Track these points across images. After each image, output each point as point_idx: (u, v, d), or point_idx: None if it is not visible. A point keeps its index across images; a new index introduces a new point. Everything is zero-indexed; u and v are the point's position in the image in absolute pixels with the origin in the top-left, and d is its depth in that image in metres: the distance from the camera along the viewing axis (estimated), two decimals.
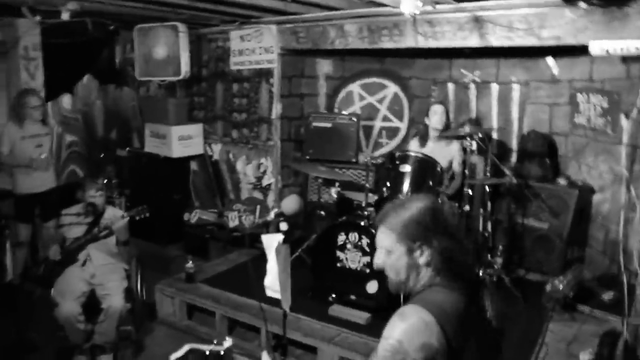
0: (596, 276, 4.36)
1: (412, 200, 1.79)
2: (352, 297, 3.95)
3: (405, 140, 5.71)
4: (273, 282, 2.31)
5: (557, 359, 3.41)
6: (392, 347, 1.55)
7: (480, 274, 4.12)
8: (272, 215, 2.28)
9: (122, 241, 3.92)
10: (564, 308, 4.01)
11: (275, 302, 2.33)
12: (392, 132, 5.86)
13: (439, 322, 1.58)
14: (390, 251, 1.75)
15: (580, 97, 4.65)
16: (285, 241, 2.23)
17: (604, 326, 3.71)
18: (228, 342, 1.56)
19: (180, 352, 1.54)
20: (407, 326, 1.57)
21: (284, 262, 2.25)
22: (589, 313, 4.01)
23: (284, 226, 2.26)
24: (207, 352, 1.50)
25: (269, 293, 2.35)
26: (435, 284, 1.72)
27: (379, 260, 1.79)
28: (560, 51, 4.54)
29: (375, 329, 3.53)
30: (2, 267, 4.60)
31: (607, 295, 4.11)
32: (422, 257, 1.72)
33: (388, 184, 4.12)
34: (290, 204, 2.24)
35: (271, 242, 2.28)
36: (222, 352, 1.51)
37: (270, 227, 2.28)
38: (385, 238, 1.75)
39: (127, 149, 6.69)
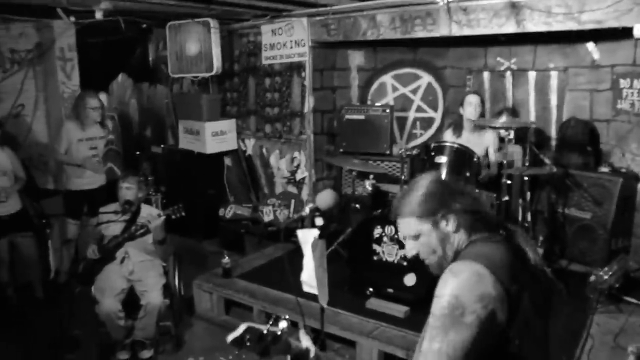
0: None
1: (415, 182, 1.76)
2: (390, 290, 3.90)
3: (440, 130, 5.62)
4: (310, 278, 2.30)
5: (603, 352, 3.31)
6: (449, 303, 1.50)
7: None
8: (307, 210, 2.24)
9: (158, 240, 3.94)
10: (609, 299, 3.88)
11: (312, 297, 2.31)
12: (427, 122, 5.78)
13: (491, 270, 1.53)
14: (417, 235, 1.71)
15: (623, 82, 4.50)
16: (321, 236, 2.21)
17: None
18: (284, 322, 1.56)
19: (238, 331, 1.54)
20: (460, 280, 1.52)
21: (321, 258, 2.23)
22: (636, 304, 3.87)
23: (319, 221, 2.23)
24: (265, 331, 1.51)
25: (306, 288, 2.34)
26: (473, 241, 1.68)
27: (412, 249, 1.75)
28: (600, 35, 4.38)
29: (413, 322, 3.51)
30: (46, 266, 4.73)
31: None
32: (449, 224, 1.68)
33: None
34: (326, 198, 2.21)
35: (307, 237, 2.27)
36: (278, 332, 1.51)
37: (305, 222, 2.26)
38: (408, 226, 1.72)
39: (162, 146, 6.76)
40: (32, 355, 3.87)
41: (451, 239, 1.70)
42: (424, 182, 1.73)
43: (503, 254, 1.61)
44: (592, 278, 4.00)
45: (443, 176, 1.69)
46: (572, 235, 4.60)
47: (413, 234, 1.72)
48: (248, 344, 1.55)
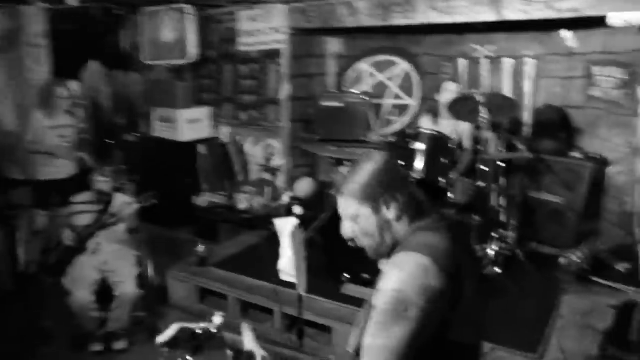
0: (610, 248, 4.30)
1: (362, 162, 1.71)
2: (366, 276, 3.91)
3: (416, 117, 5.64)
4: (288, 266, 2.29)
5: (573, 331, 3.38)
6: (393, 298, 1.47)
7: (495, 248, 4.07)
8: (285, 199, 2.23)
9: (130, 229, 3.89)
10: (578, 280, 3.97)
11: (289, 284, 2.31)
12: (403, 109, 5.79)
13: (434, 261, 1.50)
14: (356, 216, 1.66)
15: (595, 70, 4.56)
16: (300, 225, 2.20)
17: (619, 297, 3.67)
18: (218, 318, 1.52)
19: (168, 333, 1.49)
20: (404, 274, 1.49)
21: (299, 246, 2.22)
22: (604, 285, 3.95)
23: (298, 210, 2.23)
24: (197, 330, 1.46)
25: (284, 277, 2.34)
26: (415, 230, 1.64)
27: (348, 230, 1.71)
28: (575, 24, 4.42)
29: None
30: (14, 258, 4.62)
31: (622, 267, 4.07)
32: (390, 211, 1.64)
33: (401, 162, 4.06)
34: (305, 187, 2.20)
35: (285, 226, 2.26)
36: (213, 330, 1.48)
37: (283, 211, 2.25)
38: (348, 206, 1.67)
39: (135, 134, 6.67)
40: (3, 348, 3.80)
41: (392, 227, 1.66)
42: (370, 165, 1.67)
43: (445, 242, 1.59)
44: (562, 260, 4.10)
45: (394, 161, 1.65)
46: (544, 219, 4.67)
47: (351, 214, 1.67)
48: (180, 344, 1.50)
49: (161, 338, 1.54)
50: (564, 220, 4.51)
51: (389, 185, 1.64)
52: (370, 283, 3.79)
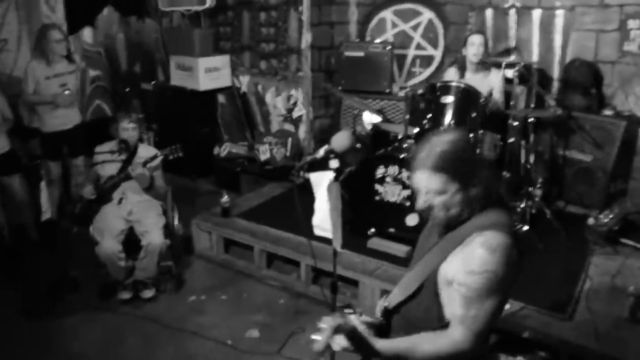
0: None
1: (446, 138, 1.75)
2: (392, 230, 3.90)
3: (439, 69, 5.49)
4: (323, 221, 2.26)
5: (602, 292, 3.37)
6: (485, 279, 1.65)
7: (522, 205, 4.03)
8: (321, 153, 2.17)
9: (143, 187, 3.86)
10: (607, 241, 3.93)
11: (317, 237, 2.29)
12: (426, 60, 5.64)
13: (514, 239, 1.70)
14: (442, 192, 1.72)
15: (631, 23, 4.39)
16: (336, 179, 2.15)
17: None
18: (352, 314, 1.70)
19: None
20: (496, 256, 1.65)
21: (336, 201, 2.17)
22: (633, 247, 3.91)
23: (334, 164, 2.16)
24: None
25: (318, 232, 2.31)
26: (488, 207, 1.76)
27: (426, 203, 1.76)
28: None
29: None
30: (38, 206, 4.63)
31: None
32: (475, 189, 1.72)
33: (429, 116, 3.97)
34: (342, 140, 2.13)
35: (320, 180, 2.21)
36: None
37: (318, 164, 2.19)
38: (434, 181, 1.71)
39: (153, 82, 6.57)
40: (32, 296, 3.85)
41: (472, 203, 1.73)
42: (455, 141, 1.73)
43: (510, 217, 1.79)
44: (591, 220, 4.05)
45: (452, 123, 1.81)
46: (572, 178, 4.60)
47: (438, 189, 1.72)
48: None
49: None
50: (593, 180, 4.44)
51: (475, 163, 1.75)
52: (396, 238, 3.82)
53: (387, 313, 1.92)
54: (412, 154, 1.80)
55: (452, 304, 1.71)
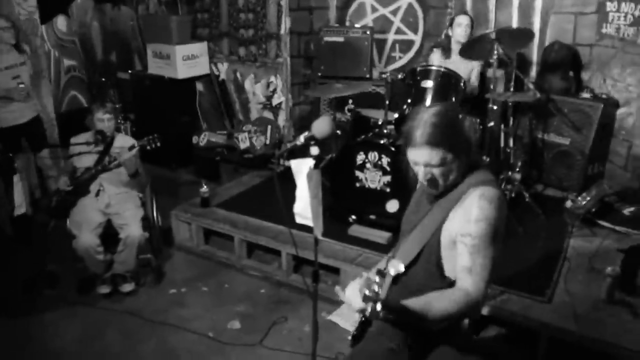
0: (617, 192, 4.29)
1: (435, 109, 1.89)
2: (372, 217, 3.90)
3: (419, 53, 5.47)
4: (304, 209, 2.21)
5: (580, 274, 3.39)
6: (488, 225, 1.81)
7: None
8: (301, 139, 2.13)
9: (130, 173, 3.77)
10: (584, 223, 3.96)
11: (298, 226, 2.27)
12: (406, 45, 5.61)
13: (502, 193, 1.92)
14: (442, 163, 1.85)
15: (609, 5, 4.38)
16: (316, 166, 2.11)
17: (625, 241, 3.69)
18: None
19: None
20: (493, 205, 1.83)
21: (316, 189, 2.14)
22: (610, 228, 3.95)
23: (315, 150, 2.12)
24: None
25: (299, 220, 2.26)
26: (472, 168, 1.93)
27: (427, 175, 1.89)
28: None
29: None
30: (11, 201, 4.52)
31: (628, 210, 4.06)
32: (466, 155, 1.88)
33: (409, 100, 3.95)
34: (323, 126, 2.09)
35: (301, 167, 2.16)
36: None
37: (299, 151, 2.16)
38: (433, 155, 1.84)
39: (129, 71, 6.45)
40: (9, 291, 3.78)
41: (464, 167, 1.90)
42: (441, 114, 1.87)
43: (494, 176, 1.98)
44: (569, 203, 4.08)
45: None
46: (550, 161, 4.63)
47: (437, 162, 1.85)
48: None
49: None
50: (571, 163, 4.46)
51: (462, 131, 1.87)
52: (377, 224, 3.81)
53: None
54: (406, 132, 1.91)
55: (459, 258, 1.84)
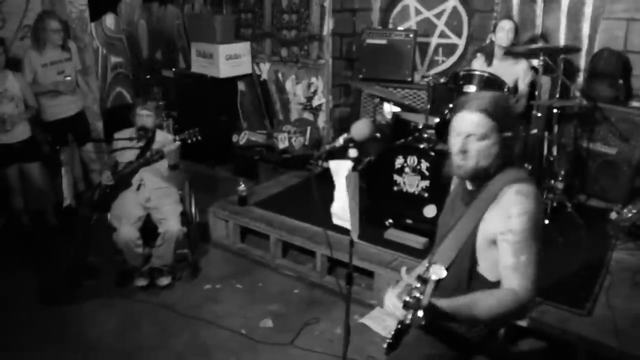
0: None
1: (493, 92, 1.98)
2: (409, 221, 3.86)
3: (462, 57, 5.39)
4: (341, 210, 2.21)
5: (622, 288, 3.28)
6: (530, 220, 1.76)
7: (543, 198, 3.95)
8: (340, 141, 2.13)
9: (171, 165, 3.82)
10: (629, 237, 3.83)
11: (333, 227, 2.27)
12: (449, 49, 5.54)
13: (537, 189, 1.87)
14: (483, 137, 1.80)
15: None
16: (354, 168, 2.11)
17: None
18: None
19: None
20: (533, 201, 1.78)
21: (354, 191, 2.14)
22: None
23: (353, 153, 2.11)
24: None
25: (336, 221, 2.27)
26: (510, 166, 1.87)
27: (464, 146, 1.83)
28: None
29: None
30: (59, 193, 4.67)
31: None
32: (509, 146, 1.83)
33: (451, 105, 3.90)
34: (362, 128, 2.08)
35: (340, 168, 2.17)
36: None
37: (338, 153, 2.15)
38: (481, 124, 1.79)
39: (173, 69, 6.57)
40: (50, 281, 3.91)
41: (501, 157, 1.83)
42: (504, 97, 1.91)
43: (528, 174, 1.94)
44: (613, 215, 3.95)
45: None
46: (595, 171, 4.49)
47: (482, 133, 1.80)
48: None
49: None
50: (617, 173, 4.32)
51: (516, 121, 1.92)
52: (413, 229, 3.77)
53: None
54: (458, 101, 1.89)
55: (502, 257, 1.78)
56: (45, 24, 4.51)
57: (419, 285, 1.58)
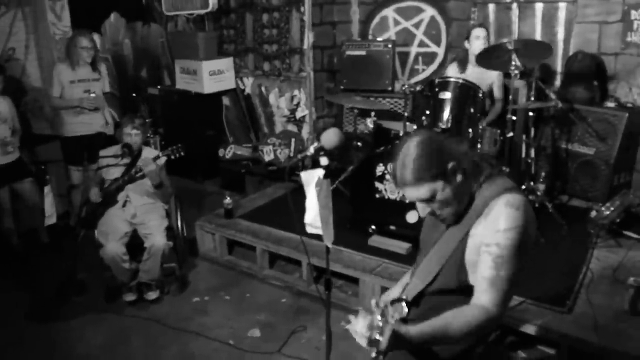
0: None
1: (408, 147, 1.77)
2: (392, 227, 3.92)
3: (442, 65, 5.50)
4: (314, 219, 2.25)
5: (602, 286, 3.34)
6: (520, 234, 1.71)
7: None
8: (311, 150, 2.19)
9: (154, 184, 3.87)
10: (609, 234, 3.89)
11: (316, 236, 2.30)
12: (429, 57, 5.64)
13: (527, 198, 1.82)
14: (432, 196, 1.78)
15: (634, 14, 4.36)
16: (325, 176, 2.16)
17: None
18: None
19: None
20: (521, 212, 1.73)
21: (326, 198, 2.19)
22: (636, 239, 3.88)
23: (324, 161, 2.17)
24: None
25: (310, 230, 2.30)
26: (489, 177, 1.84)
27: (425, 210, 1.84)
28: None
29: (416, 258, 3.53)
30: (42, 211, 4.70)
31: None
32: (459, 174, 1.78)
33: (427, 112, 3.98)
34: (331, 137, 2.14)
35: (310, 178, 2.21)
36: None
37: (308, 161, 2.20)
38: (420, 192, 1.77)
39: (158, 87, 6.64)
40: (39, 299, 3.93)
41: (464, 186, 1.80)
42: (419, 146, 1.75)
43: (514, 182, 1.86)
44: (593, 213, 4.00)
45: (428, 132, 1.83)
46: (574, 171, 4.58)
47: (427, 197, 1.78)
48: None
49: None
50: (596, 173, 4.41)
51: (444, 154, 1.76)
52: (397, 235, 3.83)
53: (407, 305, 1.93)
54: (392, 175, 1.85)
55: (481, 267, 1.74)
56: (76, 41, 4.61)
57: (380, 323, 1.56)
